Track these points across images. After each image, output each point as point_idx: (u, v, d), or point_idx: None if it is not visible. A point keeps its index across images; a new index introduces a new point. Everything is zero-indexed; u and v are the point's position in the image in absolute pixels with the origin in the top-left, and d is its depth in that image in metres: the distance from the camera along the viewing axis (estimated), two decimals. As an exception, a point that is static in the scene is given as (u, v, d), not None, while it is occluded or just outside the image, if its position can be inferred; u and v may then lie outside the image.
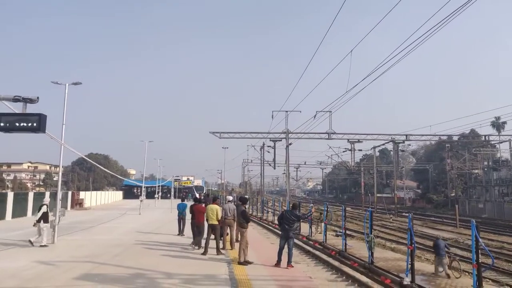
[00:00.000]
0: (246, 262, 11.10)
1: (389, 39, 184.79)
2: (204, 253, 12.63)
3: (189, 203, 17.65)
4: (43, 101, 7.68)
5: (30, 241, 14.22)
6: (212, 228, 12.94)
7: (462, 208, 51.42)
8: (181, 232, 18.01)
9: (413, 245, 9.08)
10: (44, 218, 14.31)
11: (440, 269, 11.74)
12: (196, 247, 13.87)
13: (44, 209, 14.39)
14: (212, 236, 12.98)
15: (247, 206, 13.62)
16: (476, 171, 59.14)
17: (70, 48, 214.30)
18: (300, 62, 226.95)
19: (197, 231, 14.23)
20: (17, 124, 7.06)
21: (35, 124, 6.99)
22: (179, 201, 20.34)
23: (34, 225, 14.42)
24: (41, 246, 14.04)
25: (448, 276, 11.31)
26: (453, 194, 60.16)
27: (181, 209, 18.45)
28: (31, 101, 7.29)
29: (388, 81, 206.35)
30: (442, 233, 27.17)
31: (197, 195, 27.96)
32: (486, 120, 62.84)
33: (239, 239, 15.75)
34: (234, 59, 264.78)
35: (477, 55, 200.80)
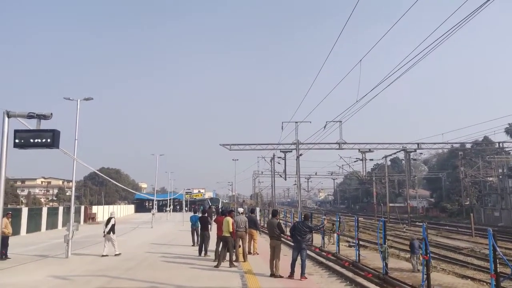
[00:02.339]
0: (280, 276, 11.02)
1: (400, 47, 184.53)
2: (217, 266, 12.62)
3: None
4: (54, 116, 7.83)
5: (103, 255, 15.30)
6: (224, 240, 12.94)
7: (477, 217, 50.41)
8: (196, 243, 18.10)
9: (428, 255, 8.95)
10: (113, 229, 15.68)
11: (417, 266, 13.46)
12: (203, 255, 14.99)
13: (112, 221, 15.73)
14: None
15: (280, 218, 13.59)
16: (491, 178, 58.12)
17: (82, 63, 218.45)
18: (310, 73, 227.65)
19: (201, 239, 15.62)
20: (32, 140, 7.19)
21: (49, 140, 7.11)
22: (190, 213, 20.53)
23: (104, 236, 15.66)
24: (115, 255, 15.33)
25: (419, 271, 12.87)
26: (467, 203, 59.11)
27: (193, 221, 18.60)
28: (44, 117, 7.43)
29: (399, 89, 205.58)
30: (458, 243, 26.68)
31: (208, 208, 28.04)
32: (500, 126, 61.91)
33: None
34: (243, 71, 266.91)
35: (489, 59, 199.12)
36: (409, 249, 22.07)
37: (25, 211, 29.46)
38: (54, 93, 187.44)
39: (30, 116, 7.74)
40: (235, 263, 12.78)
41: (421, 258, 13.63)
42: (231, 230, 12.79)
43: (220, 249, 13.20)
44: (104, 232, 15.66)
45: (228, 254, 12.88)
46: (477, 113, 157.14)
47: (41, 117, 7.68)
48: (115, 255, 15.36)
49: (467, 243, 26.15)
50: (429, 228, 33.24)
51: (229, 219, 13.04)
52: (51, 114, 7.85)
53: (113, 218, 15.95)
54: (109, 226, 15.59)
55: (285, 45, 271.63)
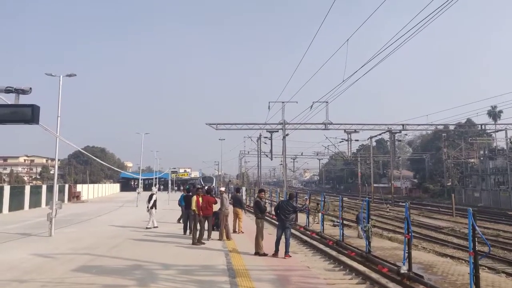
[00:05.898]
0: (264, 254, 11.15)
1: (388, 26, 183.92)
2: (205, 242, 12.98)
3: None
4: (39, 94, 7.59)
5: (147, 228, 16.91)
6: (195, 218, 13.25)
7: (458, 197, 51.66)
8: (179, 221, 18.27)
9: (410, 234, 9.09)
10: (155, 205, 17.27)
11: (361, 233, 15.05)
12: (188, 234, 14.95)
13: (154, 197, 17.25)
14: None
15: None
16: (472, 160, 59.37)
17: (67, 39, 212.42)
18: (297, 53, 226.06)
19: (185, 218, 15.72)
20: (10, 116, 6.90)
21: (28, 115, 6.84)
22: (175, 193, 20.68)
23: (147, 211, 17.31)
24: (154, 227, 16.93)
25: (361, 238, 14.49)
26: (449, 184, 60.39)
27: (180, 200, 18.88)
28: (23, 92, 7.15)
29: (385, 70, 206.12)
30: (439, 222, 27.36)
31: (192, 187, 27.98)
32: (483, 109, 62.94)
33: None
34: (231, 50, 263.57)
35: (475, 41, 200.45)
36: (392, 229, 22.75)
37: (7, 189, 28.99)
38: (36, 71, 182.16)
39: (8, 91, 7.43)
40: (203, 241, 13.02)
41: (367, 227, 16.52)
42: (193, 208, 13.07)
43: (200, 227, 13.38)
44: (147, 207, 17.22)
45: (219, 231, 13.29)
46: (462, 95, 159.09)
47: (19, 91, 7.38)
48: (154, 227, 16.90)
49: (448, 223, 26.82)
50: (412, 208, 34.04)
51: (194, 197, 13.32)
52: (30, 88, 7.55)
53: (154, 195, 17.37)
54: (152, 202, 17.05)
55: (274, 23, 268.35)
